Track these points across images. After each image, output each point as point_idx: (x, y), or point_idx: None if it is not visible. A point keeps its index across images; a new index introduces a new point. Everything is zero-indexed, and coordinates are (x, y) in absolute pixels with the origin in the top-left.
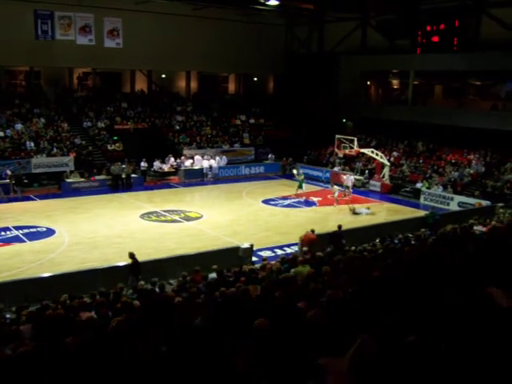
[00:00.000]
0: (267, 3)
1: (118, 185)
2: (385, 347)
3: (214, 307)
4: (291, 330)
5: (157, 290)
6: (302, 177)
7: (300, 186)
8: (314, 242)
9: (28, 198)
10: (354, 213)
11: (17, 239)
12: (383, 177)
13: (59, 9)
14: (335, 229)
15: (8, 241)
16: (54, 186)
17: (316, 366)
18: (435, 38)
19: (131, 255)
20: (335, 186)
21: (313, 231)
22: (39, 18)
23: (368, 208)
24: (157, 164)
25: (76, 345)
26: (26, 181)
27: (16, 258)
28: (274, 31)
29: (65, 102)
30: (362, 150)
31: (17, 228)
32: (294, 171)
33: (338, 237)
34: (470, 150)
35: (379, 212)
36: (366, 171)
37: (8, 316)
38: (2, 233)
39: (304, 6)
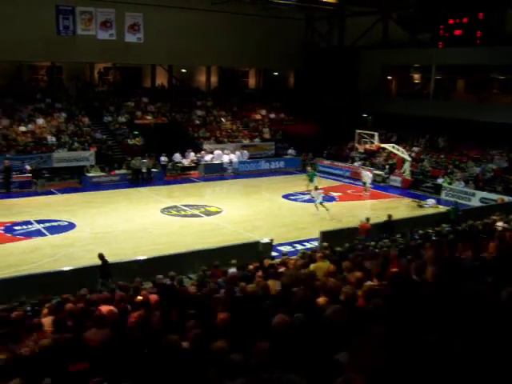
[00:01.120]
0: None
1: (139, 179)
2: (398, 346)
3: (234, 303)
4: (310, 326)
5: (175, 284)
6: (312, 170)
7: (310, 180)
8: (369, 231)
9: (49, 192)
10: (419, 206)
11: (38, 233)
12: (404, 172)
13: (80, 4)
14: (352, 224)
15: (29, 234)
16: (74, 180)
17: (335, 362)
18: (458, 32)
19: (100, 256)
20: (318, 191)
21: (368, 220)
22: (61, 14)
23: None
24: (177, 156)
25: (95, 338)
26: (46, 175)
27: (37, 251)
28: (294, 25)
29: (86, 96)
30: (383, 145)
31: (38, 222)
32: (309, 168)
33: (389, 226)
34: (493, 145)
35: (399, 207)
36: (387, 166)
37: (29, 308)
38: (24, 226)
39: (325, 0)
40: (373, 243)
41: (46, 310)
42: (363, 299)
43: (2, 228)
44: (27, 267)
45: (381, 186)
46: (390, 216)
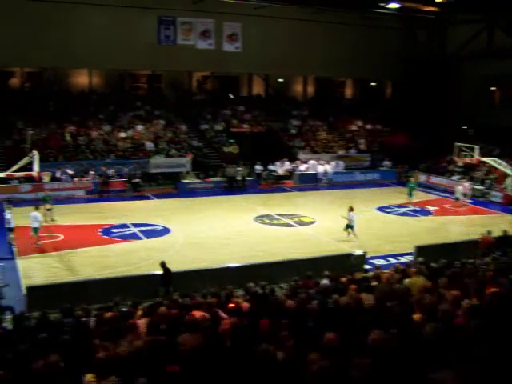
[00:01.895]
0: (387, 6)
1: (233, 187)
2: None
3: (327, 315)
4: (407, 343)
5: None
6: (414, 182)
7: (410, 194)
8: (492, 245)
9: (146, 197)
10: None
11: (134, 236)
12: (506, 187)
13: (181, 15)
14: (452, 239)
15: (125, 237)
16: (170, 186)
17: (430, 380)
18: None
19: (162, 264)
20: (352, 214)
21: (489, 233)
22: (162, 24)
23: None
24: (278, 164)
25: (189, 343)
26: (136, 180)
27: (132, 254)
28: (392, 35)
29: (184, 104)
30: (483, 159)
31: (134, 225)
32: (412, 179)
33: (507, 241)
34: None
35: (499, 224)
36: (487, 181)
37: (124, 309)
38: (121, 229)
39: (426, 9)
40: (470, 261)
41: (140, 312)
42: (463, 318)
43: (101, 230)
44: (123, 269)
45: (480, 201)
46: (505, 232)
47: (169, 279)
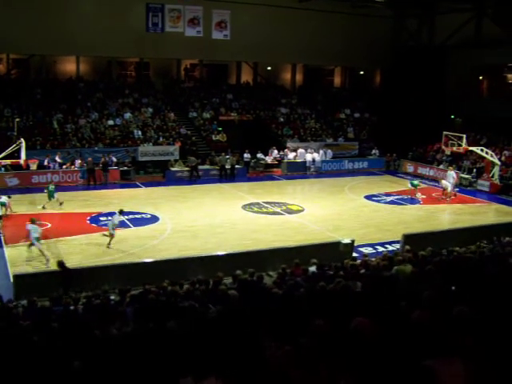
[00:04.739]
0: None
1: (221, 175)
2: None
3: (314, 301)
4: (394, 329)
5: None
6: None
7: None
8: None
9: (134, 185)
10: None
11: (122, 224)
12: (492, 176)
13: (170, 2)
14: (440, 227)
15: None
16: (158, 174)
17: (423, 368)
18: None
19: (59, 264)
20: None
21: None
22: (150, 11)
23: None
24: (275, 152)
25: (178, 329)
26: (111, 167)
27: (121, 242)
28: (381, 23)
29: (172, 92)
30: (471, 148)
31: (122, 213)
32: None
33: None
34: None
35: (486, 213)
36: (474, 170)
37: (112, 297)
38: (109, 217)
39: None
40: (457, 248)
41: (128, 300)
42: (449, 305)
43: (88, 218)
44: (110, 258)
45: (467, 190)
46: None
47: (67, 280)
